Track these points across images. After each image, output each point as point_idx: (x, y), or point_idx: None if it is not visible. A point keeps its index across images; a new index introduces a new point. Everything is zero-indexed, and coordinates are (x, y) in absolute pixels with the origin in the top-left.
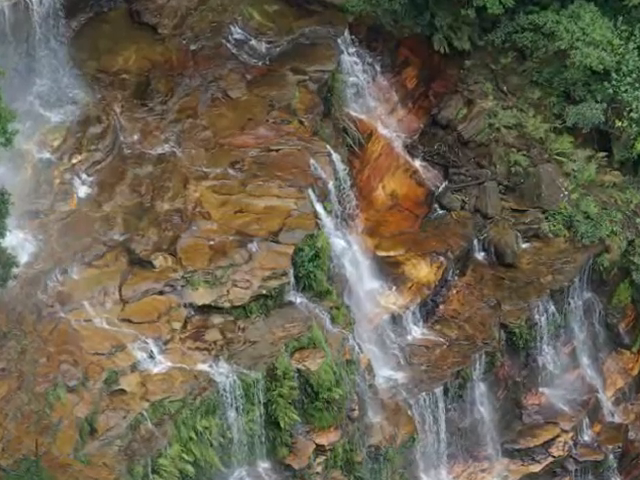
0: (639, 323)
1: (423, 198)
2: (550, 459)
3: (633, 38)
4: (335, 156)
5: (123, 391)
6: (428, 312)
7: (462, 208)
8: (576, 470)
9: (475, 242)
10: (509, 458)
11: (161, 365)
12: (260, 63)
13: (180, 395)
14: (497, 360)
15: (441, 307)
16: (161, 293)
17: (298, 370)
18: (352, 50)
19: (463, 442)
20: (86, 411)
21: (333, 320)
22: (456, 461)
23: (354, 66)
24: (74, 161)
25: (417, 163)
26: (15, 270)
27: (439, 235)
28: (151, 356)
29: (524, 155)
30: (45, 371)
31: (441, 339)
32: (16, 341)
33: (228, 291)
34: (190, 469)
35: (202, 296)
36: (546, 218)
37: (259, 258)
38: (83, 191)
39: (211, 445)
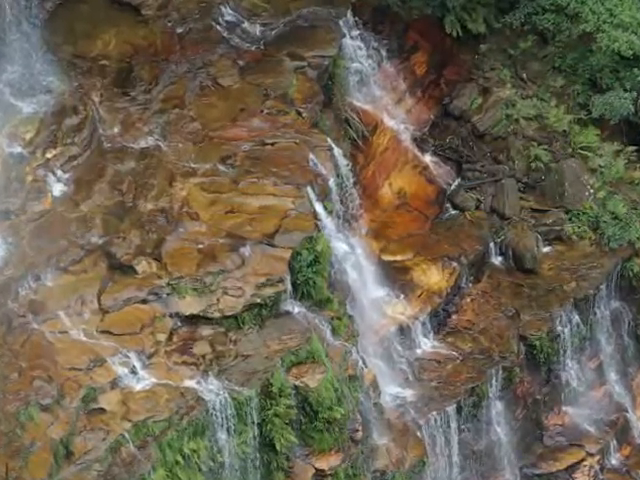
0: None
1: (434, 197)
2: None
3: None
4: (336, 150)
5: (102, 410)
6: (439, 323)
7: (477, 208)
8: None
9: (491, 245)
10: None
11: (144, 381)
12: (254, 48)
13: (165, 414)
14: (515, 376)
15: (454, 317)
16: (144, 302)
17: (296, 387)
18: (355, 33)
19: (478, 466)
20: (62, 432)
21: (334, 332)
22: None
23: (357, 51)
24: (48, 156)
25: (427, 158)
26: None
27: (451, 238)
28: (133, 371)
29: (545, 149)
30: (16, 388)
31: (454, 353)
32: None
33: (218, 300)
34: None
35: (189, 305)
36: (570, 219)
37: (252, 263)
38: (58, 189)
39: (199, 470)
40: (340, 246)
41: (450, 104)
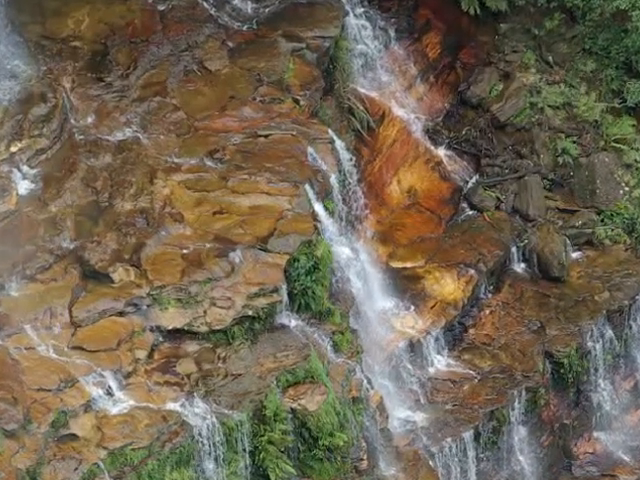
0: None
1: (448, 195)
2: None
3: None
4: (338, 143)
5: (74, 436)
6: (455, 338)
7: (497, 208)
8: None
9: (513, 250)
10: None
11: (121, 404)
12: (245, 27)
13: (145, 441)
14: (541, 398)
15: (471, 332)
16: (122, 314)
17: (292, 410)
18: (360, 11)
19: None
20: (28, 461)
21: (336, 348)
22: None
23: (362, 31)
24: (13, 149)
25: (441, 152)
26: None
27: (468, 242)
28: (109, 393)
29: (574, 142)
30: None
31: (471, 371)
32: None
33: (205, 312)
34: None
35: (173, 318)
36: (602, 220)
37: (244, 270)
38: (24, 187)
39: None
40: (343, 251)
41: (467, 91)
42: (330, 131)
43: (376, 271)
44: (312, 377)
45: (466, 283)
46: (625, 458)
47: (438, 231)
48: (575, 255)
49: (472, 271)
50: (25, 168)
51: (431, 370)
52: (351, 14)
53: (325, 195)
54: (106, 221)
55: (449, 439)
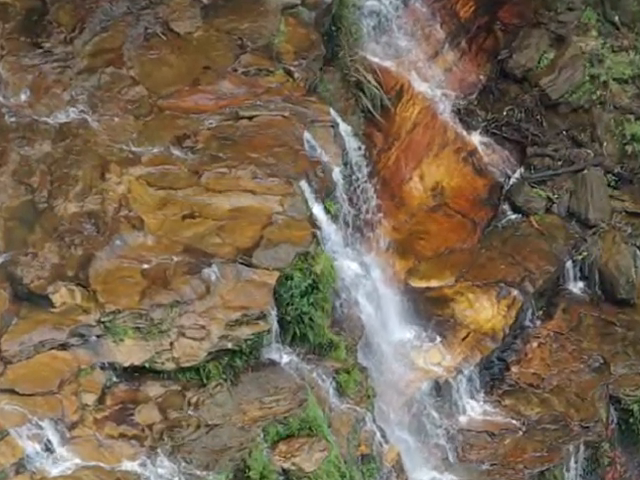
0: None
1: (485, 195)
2: None
3: None
4: (343, 127)
5: None
6: (493, 378)
7: (548, 210)
8: None
9: (569, 265)
10: None
11: (64, 463)
12: None
13: None
14: (604, 455)
15: (514, 370)
16: (64, 347)
17: (284, 471)
18: None
19: None
20: None
21: (341, 391)
22: None
23: None
24: None
25: (476, 138)
26: None
27: (510, 254)
28: (48, 448)
29: None
30: None
31: (514, 421)
32: None
33: (172, 344)
34: None
35: (130, 352)
36: None
37: (222, 291)
38: None
39: None
40: (349, 266)
41: (509, 60)
42: (332, 112)
43: (392, 292)
44: (309, 428)
45: (508, 307)
46: None
47: (472, 240)
48: None
49: (515, 292)
50: None
51: (463, 419)
52: None
53: (326, 194)
54: (44, 227)
55: None
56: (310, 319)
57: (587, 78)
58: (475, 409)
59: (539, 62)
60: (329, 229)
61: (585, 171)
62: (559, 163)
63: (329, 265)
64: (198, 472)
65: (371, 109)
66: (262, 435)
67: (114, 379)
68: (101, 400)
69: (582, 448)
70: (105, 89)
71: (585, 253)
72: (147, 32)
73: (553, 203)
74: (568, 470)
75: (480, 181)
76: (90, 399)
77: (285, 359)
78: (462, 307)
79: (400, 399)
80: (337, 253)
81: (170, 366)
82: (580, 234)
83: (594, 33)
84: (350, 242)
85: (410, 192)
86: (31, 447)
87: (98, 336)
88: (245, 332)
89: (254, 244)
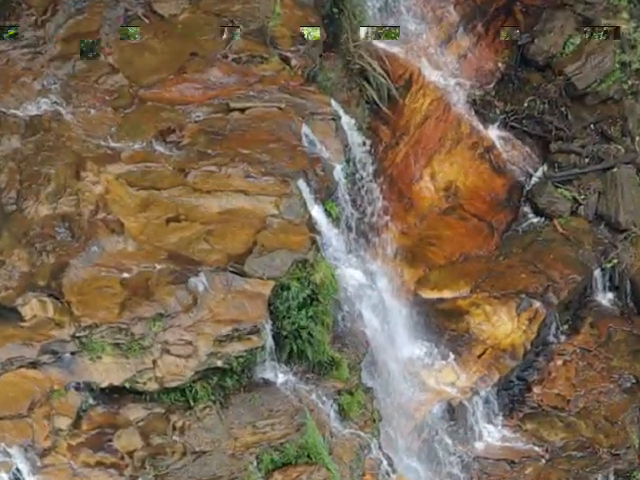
0: None
1: (504, 195)
2: None
3: None
4: (346, 120)
5: None
6: (513, 400)
7: (574, 213)
8: None
9: (597, 274)
10: None
11: None
12: None
13: None
14: None
15: (536, 391)
16: (35, 365)
17: None
18: None
19: None
20: None
21: (343, 414)
22: None
23: None
24: None
25: (493, 133)
26: None
27: (532, 262)
28: (17, 478)
29: None
30: None
31: (536, 447)
32: None
33: (155, 362)
34: None
35: (108, 371)
36: None
37: (211, 303)
38: None
39: None
40: (352, 275)
41: (530, 45)
42: (334, 103)
43: (400, 304)
44: (308, 456)
45: (529, 321)
46: None
47: (489, 246)
48: None
49: (538, 304)
50: None
51: (479, 446)
52: None
53: (326, 195)
54: (12, 232)
55: None
56: (309, 334)
57: (617, 65)
58: (493, 434)
59: (564, 48)
60: (330, 234)
61: (615, 169)
62: (586, 160)
63: (330, 274)
64: None
65: (377, 100)
66: (255, 463)
67: (90, 401)
68: (76, 424)
69: (612, 478)
70: (80, 78)
71: (615, 260)
72: (127, 14)
73: (580, 205)
74: None
75: (498, 180)
76: (64, 423)
77: (281, 379)
78: (478, 321)
79: (409, 423)
80: (339, 260)
81: (153, 386)
82: (610, 239)
83: (625, 15)
84: (353, 248)
85: (420, 193)
86: None
87: (73, 353)
88: (236, 348)
89: (246, 250)
